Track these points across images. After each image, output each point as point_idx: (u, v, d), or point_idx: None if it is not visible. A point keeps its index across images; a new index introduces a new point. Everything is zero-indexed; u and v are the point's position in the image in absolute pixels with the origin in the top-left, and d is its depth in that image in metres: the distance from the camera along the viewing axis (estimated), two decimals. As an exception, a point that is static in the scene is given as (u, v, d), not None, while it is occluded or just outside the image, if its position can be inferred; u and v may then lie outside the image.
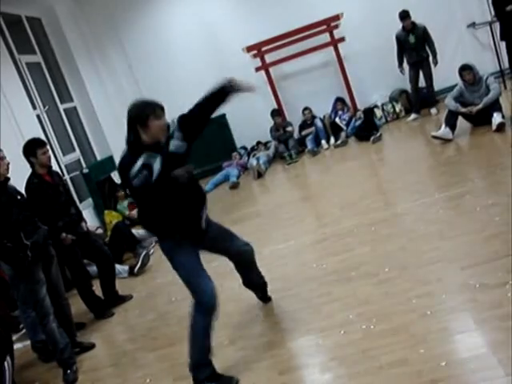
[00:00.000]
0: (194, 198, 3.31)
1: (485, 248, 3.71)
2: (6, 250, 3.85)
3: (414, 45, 8.55)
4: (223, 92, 3.19)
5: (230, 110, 9.92)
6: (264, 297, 4.09)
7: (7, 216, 3.90)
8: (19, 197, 4.17)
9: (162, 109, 3.13)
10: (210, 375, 3.19)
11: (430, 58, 8.63)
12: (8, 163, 4.13)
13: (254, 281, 3.97)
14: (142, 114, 3.05)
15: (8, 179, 4.12)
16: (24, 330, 4.89)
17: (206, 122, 3.23)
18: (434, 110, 8.77)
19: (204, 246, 3.44)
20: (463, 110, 6.75)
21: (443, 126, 6.83)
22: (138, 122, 3.05)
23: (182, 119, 3.16)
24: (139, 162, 2.92)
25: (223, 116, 10.18)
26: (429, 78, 8.74)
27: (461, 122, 6.86)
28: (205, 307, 3.17)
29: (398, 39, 8.66)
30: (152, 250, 6.52)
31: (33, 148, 4.75)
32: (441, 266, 3.71)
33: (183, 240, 3.24)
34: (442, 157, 6.47)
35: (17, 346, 5.03)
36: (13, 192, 4.15)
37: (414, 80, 8.80)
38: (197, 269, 3.26)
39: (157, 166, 2.93)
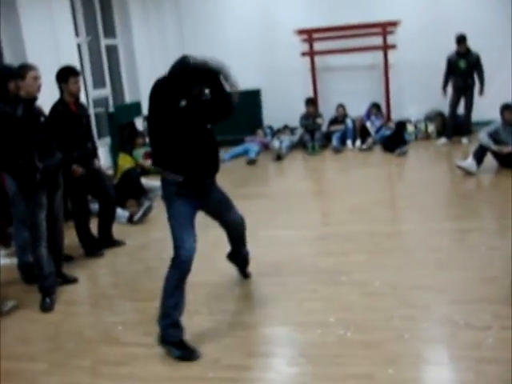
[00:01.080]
0: (207, 146, 3.38)
1: (478, 288, 3.70)
2: (17, 166, 3.88)
3: (463, 70, 8.43)
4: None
5: (265, 87, 10.03)
6: (244, 272, 4.21)
7: (26, 135, 3.93)
8: (42, 119, 4.19)
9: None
10: (178, 342, 3.24)
11: (476, 88, 8.52)
12: (40, 85, 4.14)
13: (241, 252, 4.07)
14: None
15: (36, 99, 4.14)
16: (14, 248, 4.95)
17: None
18: (465, 140, 8.68)
19: (204, 207, 3.53)
20: (494, 147, 6.68)
21: (470, 157, 6.77)
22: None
23: None
24: None
25: (258, 91, 10.15)
26: (469, 106, 8.64)
27: (488, 158, 6.79)
28: (179, 262, 3.22)
29: (449, 61, 8.55)
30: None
31: (66, 75, 4.79)
32: (430, 294, 3.70)
33: (186, 192, 3.29)
34: (461, 187, 6.43)
35: (4, 261, 5.11)
36: (37, 113, 4.17)
37: (454, 105, 8.71)
38: (187, 224, 3.30)
39: None
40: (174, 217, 3.30)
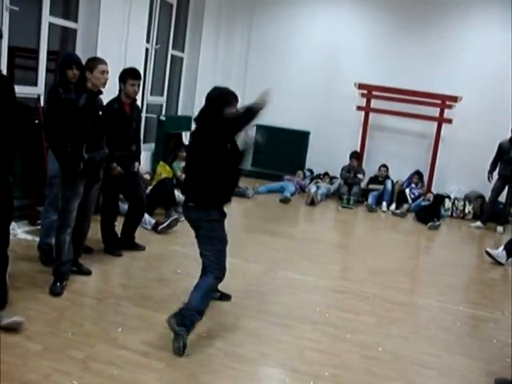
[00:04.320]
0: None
1: (482, 381, 3.61)
2: (64, 151, 3.99)
3: (513, 159, 8.37)
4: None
5: (315, 131, 10.12)
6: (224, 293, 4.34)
7: (82, 124, 4.05)
8: (100, 112, 4.31)
9: (236, 99, 3.68)
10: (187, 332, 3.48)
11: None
12: (107, 79, 4.28)
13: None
14: (223, 100, 3.60)
15: (100, 93, 4.28)
16: (39, 227, 5.04)
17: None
18: (500, 229, 8.56)
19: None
20: (528, 243, 6.57)
21: (501, 247, 6.66)
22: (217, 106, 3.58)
23: None
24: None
25: (307, 134, 10.25)
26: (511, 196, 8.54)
27: (520, 253, 6.68)
28: (217, 279, 3.67)
29: (500, 147, 8.47)
30: (183, 218, 6.60)
31: (125, 76, 4.96)
32: (432, 374, 3.63)
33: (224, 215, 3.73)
34: (486, 275, 6.32)
35: (27, 237, 5.22)
36: (98, 106, 4.30)
37: (497, 192, 8.60)
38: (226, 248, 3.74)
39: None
40: (221, 239, 3.70)
